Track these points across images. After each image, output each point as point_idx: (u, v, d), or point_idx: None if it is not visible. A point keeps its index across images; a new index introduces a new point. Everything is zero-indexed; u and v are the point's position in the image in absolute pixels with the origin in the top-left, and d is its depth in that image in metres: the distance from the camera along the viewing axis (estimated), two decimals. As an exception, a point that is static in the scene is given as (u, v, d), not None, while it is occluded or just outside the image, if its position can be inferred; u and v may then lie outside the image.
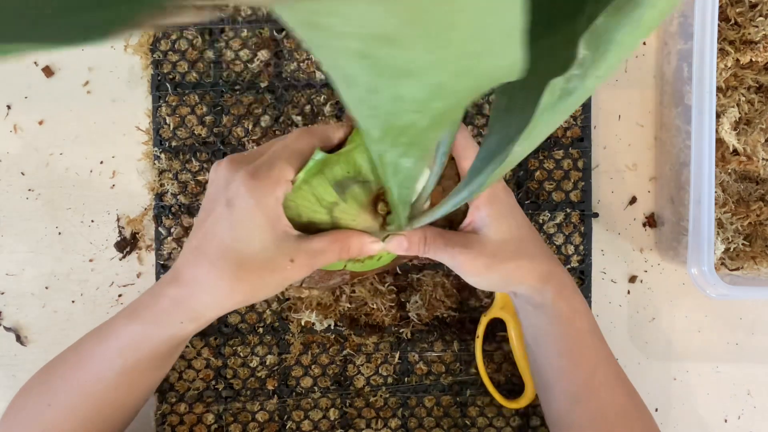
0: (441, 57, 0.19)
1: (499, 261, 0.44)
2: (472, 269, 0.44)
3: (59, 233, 0.56)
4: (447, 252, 0.43)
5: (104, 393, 0.44)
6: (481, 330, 0.54)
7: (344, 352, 0.55)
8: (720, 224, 0.53)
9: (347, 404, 0.55)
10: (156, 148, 0.55)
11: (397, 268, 0.55)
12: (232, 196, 0.39)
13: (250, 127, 0.55)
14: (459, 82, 0.21)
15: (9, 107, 0.56)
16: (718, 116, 0.52)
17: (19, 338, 0.55)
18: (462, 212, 0.47)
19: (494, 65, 0.20)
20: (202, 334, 0.54)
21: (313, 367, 0.55)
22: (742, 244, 0.53)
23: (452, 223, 0.47)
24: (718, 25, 0.48)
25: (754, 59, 0.52)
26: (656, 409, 0.56)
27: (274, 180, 0.39)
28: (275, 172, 0.39)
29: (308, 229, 0.42)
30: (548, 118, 0.29)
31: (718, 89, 0.53)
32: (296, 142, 0.41)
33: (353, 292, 0.54)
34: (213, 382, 0.55)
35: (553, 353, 0.46)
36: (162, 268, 0.55)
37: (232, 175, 0.39)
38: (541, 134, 0.31)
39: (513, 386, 0.55)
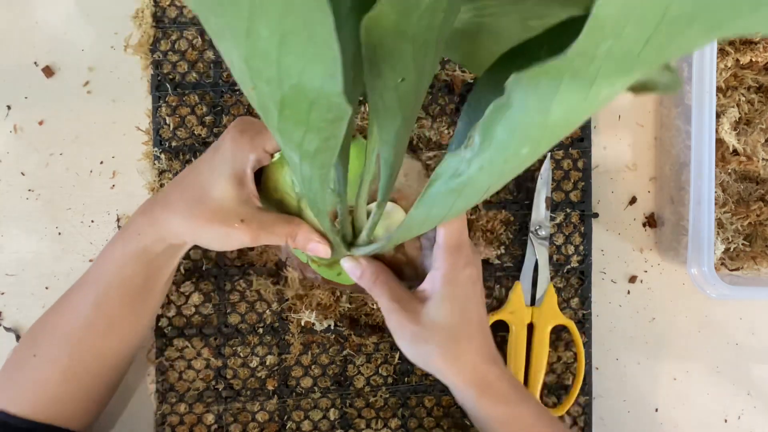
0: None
1: (426, 340, 0.44)
2: (399, 332, 0.44)
3: (59, 233, 0.56)
4: (386, 303, 0.44)
5: (81, 336, 0.45)
6: None
7: (344, 353, 0.55)
8: (720, 224, 0.53)
9: (347, 404, 0.55)
10: (156, 148, 0.55)
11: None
12: (219, 144, 0.44)
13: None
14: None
15: (9, 107, 0.56)
16: (718, 116, 0.52)
17: (19, 338, 0.55)
18: (425, 266, 0.47)
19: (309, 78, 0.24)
20: (202, 335, 0.54)
21: (313, 367, 0.55)
22: (742, 244, 0.53)
23: (416, 270, 0.48)
24: (718, 25, 0.48)
25: (754, 59, 0.52)
26: (656, 409, 0.57)
27: (255, 144, 0.44)
28: (259, 138, 0.44)
29: (278, 207, 0.45)
30: (442, 195, 0.31)
31: (718, 89, 0.53)
32: None
33: (353, 292, 0.54)
34: (213, 383, 0.55)
35: None
36: (162, 268, 0.55)
37: (231, 128, 0.45)
38: (438, 207, 0.32)
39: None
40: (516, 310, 0.54)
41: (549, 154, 0.54)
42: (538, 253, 0.54)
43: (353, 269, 0.45)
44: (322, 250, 0.44)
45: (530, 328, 0.54)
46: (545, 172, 0.54)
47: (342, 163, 0.39)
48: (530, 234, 0.54)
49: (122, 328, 0.47)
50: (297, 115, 0.26)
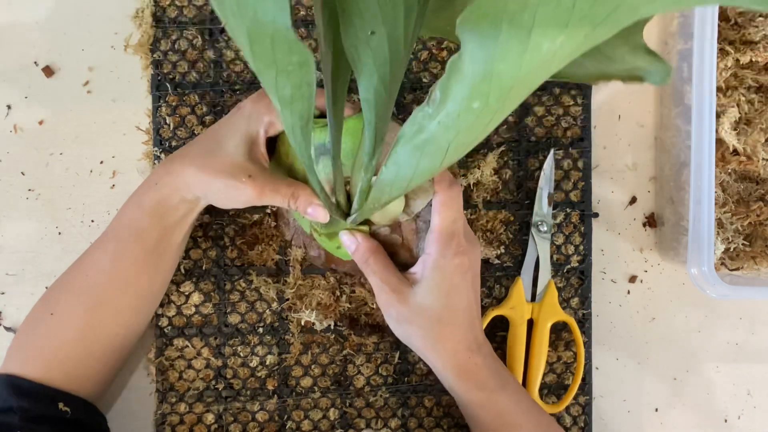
0: None
1: (410, 322, 0.45)
2: (387, 311, 0.46)
3: (59, 233, 0.56)
4: (377, 281, 0.46)
5: (99, 291, 0.46)
6: (483, 323, 0.54)
7: (344, 352, 0.55)
8: (720, 224, 0.53)
9: (347, 404, 0.55)
10: (156, 148, 0.55)
11: None
12: (240, 105, 0.48)
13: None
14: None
15: (9, 107, 0.56)
16: (718, 116, 0.52)
17: (19, 338, 0.56)
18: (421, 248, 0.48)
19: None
20: (203, 334, 0.54)
21: (313, 367, 0.55)
22: (742, 244, 0.53)
23: (411, 251, 0.49)
24: (718, 25, 0.48)
25: (754, 59, 0.52)
26: (656, 409, 0.57)
27: (273, 108, 0.45)
28: None
29: (287, 173, 0.48)
30: (408, 153, 0.32)
31: (718, 89, 0.53)
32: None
33: (353, 292, 0.54)
34: (213, 382, 0.55)
35: (476, 429, 0.48)
36: (162, 268, 0.55)
37: (254, 95, 0.48)
38: (406, 166, 0.33)
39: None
40: (516, 306, 0.54)
41: (552, 151, 0.54)
42: (539, 248, 0.54)
43: (349, 243, 0.47)
44: (321, 213, 0.46)
45: (530, 324, 0.54)
46: (548, 167, 0.54)
47: (335, 127, 0.40)
48: (532, 229, 0.54)
49: (139, 284, 0.47)
50: (264, 53, 0.28)
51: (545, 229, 0.54)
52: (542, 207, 0.54)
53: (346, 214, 0.46)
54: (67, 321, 0.46)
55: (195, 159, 0.46)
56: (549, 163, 0.54)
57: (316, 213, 0.46)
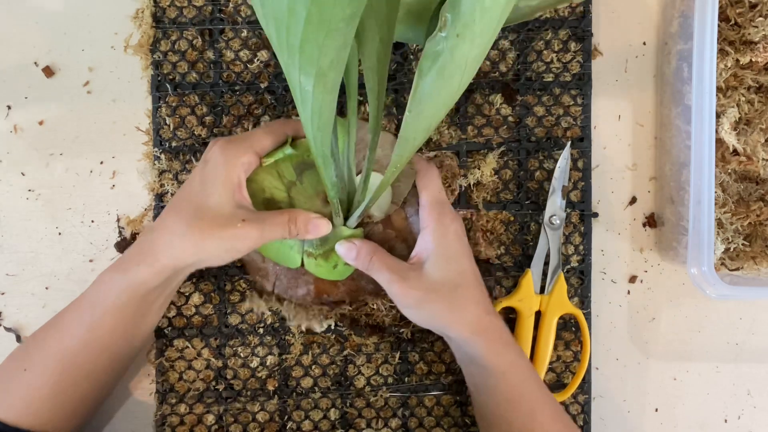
0: None
1: (430, 300, 0.46)
2: (404, 301, 0.46)
3: (59, 233, 0.56)
4: (385, 277, 0.46)
5: (73, 355, 0.45)
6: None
7: (344, 353, 0.55)
8: (720, 224, 0.53)
9: (348, 404, 0.55)
10: (156, 149, 0.55)
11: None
12: (208, 157, 0.46)
13: (250, 127, 0.54)
14: None
15: (9, 107, 0.56)
16: (718, 116, 0.52)
17: (19, 338, 0.55)
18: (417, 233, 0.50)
19: None
20: (203, 335, 0.54)
21: (313, 367, 0.55)
22: (742, 244, 0.53)
23: (407, 241, 0.51)
24: (718, 25, 0.48)
25: (754, 59, 0.52)
26: (656, 409, 0.57)
27: (244, 147, 0.45)
28: (247, 142, 0.46)
29: (266, 207, 0.48)
30: (430, 83, 0.34)
31: (718, 89, 0.53)
32: (273, 126, 0.48)
33: (351, 303, 0.54)
34: (213, 383, 0.55)
35: (492, 402, 0.47)
36: (162, 268, 0.55)
37: (214, 143, 0.46)
38: (428, 100, 0.36)
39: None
40: (525, 298, 0.54)
41: (568, 145, 0.54)
42: (551, 242, 0.54)
43: (348, 251, 0.47)
44: (323, 225, 0.46)
45: (538, 316, 0.55)
46: (563, 161, 0.54)
47: (334, 130, 0.43)
48: (544, 223, 0.54)
49: (115, 349, 0.47)
50: (322, 12, 0.30)
51: (558, 222, 0.54)
52: (556, 201, 0.54)
53: (346, 217, 0.47)
54: (40, 377, 0.45)
55: (177, 227, 0.43)
56: (565, 157, 0.54)
57: (318, 227, 0.46)
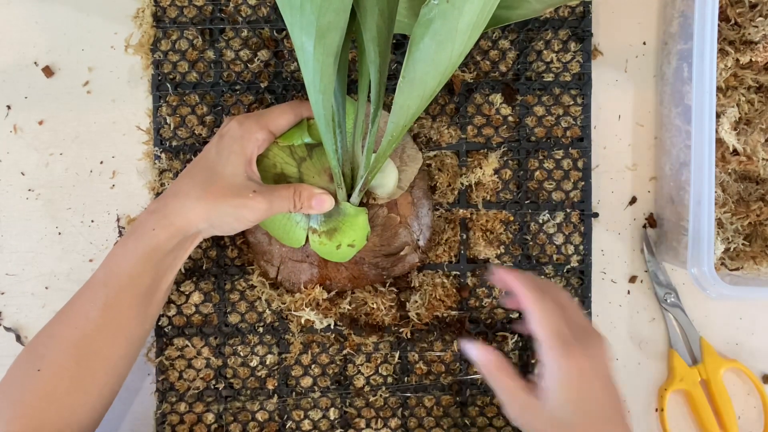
0: None
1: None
2: (518, 423, 0.44)
3: (59, 233, 0.56)
4: (507, 399, 0.44)
5: (89, 341, 0.45)
6: (663, 403, 0.55)
7: (344, 352, 0.55)
8: (720, 224, 0.53)
9: (347, 404, 0.55)
10: (156, 148, 0.55)
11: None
12: (224, 131, 0.47)
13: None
14: None
15: (9, 107, 0.56)
16: (718, 116, 0.52)
17: (19, 338, 0.56)
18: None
19: None
20: (203, 334, 0.54)
21: (312, 366, 0.55)
22: (742, 244, 0.53)
23: (410, 227, 0.52)
24: (718, 25, 0.48)
25: (754, 59, 0.52)
26: (656, 409, 0.57)
27: (261, 124, 0.47)
28: (264, 120, 0.48)
29: (277, 182, 0.50)
30: (423, 49, 0.36)
31: (718, 89, 0.53)
32: (290, 106, 0.49)
33: (353, 291, 0.54)
34: (213, 382, 0.55)
35: None
36: (162, 267, 0.55)
37: (231, 118, 0.48)
38: (422, 66, 0.38)
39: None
40: (684, 376, 0.55)
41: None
42: (676, 318, 0.56)
43: (478, 356, 0.45)
44: (327, 200, 0.47)
45: (704, 385, 0.55)
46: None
47: (340, 95, 0.46)
48: (661, 304, 0.56)
49: (130, 330, 0.47)
50: None
51: (673, 299, 0.56)
52: (662, 279, 0.56)
53: (349, 193, 0.48)
54: (56, 375, 0.44)
55: (192, 192, 0.45)
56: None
57: (322, 201, 0.47)
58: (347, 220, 0.49)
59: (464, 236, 0.55)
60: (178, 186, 0.47)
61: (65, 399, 0.44)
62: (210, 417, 0.54)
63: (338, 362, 0.55)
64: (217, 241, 0.54)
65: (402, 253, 0.52)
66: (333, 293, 0.54)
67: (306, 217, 0.50)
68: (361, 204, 0.49)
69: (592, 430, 0.43)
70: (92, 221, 0.56)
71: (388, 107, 0.54)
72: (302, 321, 0.54)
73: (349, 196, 0.49)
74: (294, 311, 0.54)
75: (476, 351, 0.46)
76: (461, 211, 0.55)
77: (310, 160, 0.50)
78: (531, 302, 0.44)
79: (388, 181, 0.50)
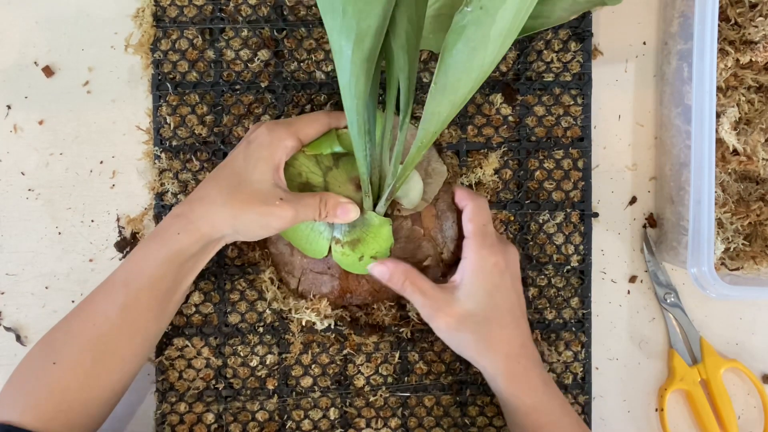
0: None
1: (460, 329, 0.47)
2: (436, 324, 0.47)
3: (59, 233, 0.56)
4: (418, 300, 0.47)
5: (106, 340, 0.45)
6: (663, 402, 0.55)
7: (344, 352, 0.55)
8: (720, 224, 0.53)
9: (347, 404, 0.55)
10: (156, 148, 0.55)
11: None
12: (252, 137, 0.47)
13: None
14: None
15: (9, 107, 0.56)
16: (718, 116, 0.52)
17: (19, 338, 0.56)
18: (449, 252, 0.51)
19: None
20: (203, 334, 0.54)
21: (313, 366, 0.55)
22: (742, 244, 0.53)
23: (434, 240, 0.51)
24: (718, 25, 0.48)
25: (754, 59, 0.52)
26: (656, 409, 0.57)
27: (290, 132, 0.47)
28: (293, 127, 0.48)
29: (302, 190, 0.49)
30: (455, 56, 0.37)
31: (718, 89, 0.53)
32: (320, 115, 0.50)
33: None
34: (213, 382, 0.55)
35: None
36: (162, 267, 0.55)
37: (259, 124, 0.49)
38: (454, 74, 0.38)
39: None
40: (684, 375, 0.55)
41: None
42: (676, 318, 0.56)
43: (382, 273, 0.48)
44: (351, 209, 0.47)
45: (704, 385, 0.56)
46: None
47: (372, 104, 0.46)
48: (661, 303, 0.56)
49: (147, 330, 0.47)
50: None
51: (673, 299, 0.56)
52: (662, 279, 0.56)
53: (375, 202, 0.48)
54: (71, 370, 0.45)
55: (218, 197, 0.45)
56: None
57: (347, 211, 0.47)
58: (371, 231, 0.48)
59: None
60: (204, 191, 0.47)
61: (78, 394, 0.45)
62: (210, 417, 0.54)
63: (338, 362, 0.55)
64: (217, 241, 0.54)
65: (425, 264, 0.51)
66: (339, 309, 0.54)
67: (330, 227, 0.49)
68: (385, 215, 0.49)
69: (497, 322, 0.46)
70: (92, 221, 0.56)
71: (413, 119, 0.54)
72: (302, 321, 0.54)
73: (374, 205, 0.48)
74: (295, 313, 0.54)
75: (382, 266, 0.48)
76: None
77: (336, 169, 0.50)
78: (465, 197, 0.49)
79: (413, 192, 0.50)
